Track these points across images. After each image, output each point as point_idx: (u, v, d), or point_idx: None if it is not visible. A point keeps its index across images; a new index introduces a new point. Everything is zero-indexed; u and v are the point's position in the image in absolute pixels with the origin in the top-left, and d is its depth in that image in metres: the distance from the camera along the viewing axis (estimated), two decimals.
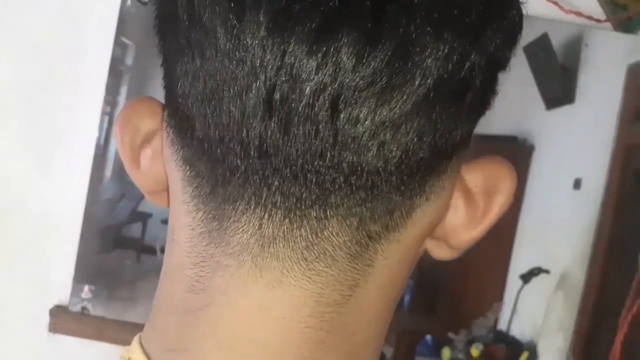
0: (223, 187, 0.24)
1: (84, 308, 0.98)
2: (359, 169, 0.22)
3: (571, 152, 1.01)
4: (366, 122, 0.22)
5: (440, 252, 0.28)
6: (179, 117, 0.25)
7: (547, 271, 1.04)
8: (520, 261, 1.05)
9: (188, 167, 0.25)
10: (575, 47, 1.00)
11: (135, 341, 0.28)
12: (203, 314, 0.25)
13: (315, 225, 0.23)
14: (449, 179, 0.25)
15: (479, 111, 0.25)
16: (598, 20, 0.94)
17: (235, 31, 0.22)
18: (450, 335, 1.05)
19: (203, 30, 0.22)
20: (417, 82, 0.22)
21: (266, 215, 0.23)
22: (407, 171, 0.23)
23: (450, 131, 0.24)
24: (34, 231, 0.99)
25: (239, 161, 0.23)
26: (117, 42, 0.97)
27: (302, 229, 0.23)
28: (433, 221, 0.26)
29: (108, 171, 0.99)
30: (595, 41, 0.99)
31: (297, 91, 0.21)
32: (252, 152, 0.23)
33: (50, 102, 0.98)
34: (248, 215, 0.24)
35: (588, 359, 1.11)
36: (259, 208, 0.23)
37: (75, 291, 0.98)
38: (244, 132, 0.22)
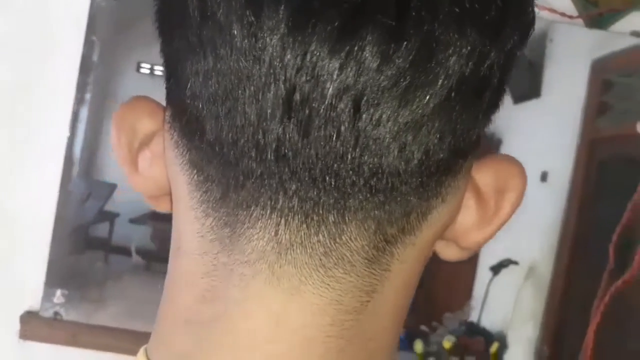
0: (236, 192, 0.23)
1: (56, 313, 0.96)
2: (380, 171, 0.22)
3: (538, 146, 1.02)
4: (388, 124, 0.21)
5: (450, 253, 0.27)
6: (187, 118, 0.24)
7: (516, 262, 1.06)
8: (489, 253, 1.06)
9: (196, 171, 0.24)
10: (540, 42, 1.02)
11: (141, 353, 0.27)
12: (217, 325, 0.24)
13: (333, 230, 0.22)
14: (463, 179, 0.25)
15: (494, 109, 0.24)
16: (570, 17, 0.96)
17: (252, 28, 0.21)
18: (423, 328, 1.06)
19: (217, 27, 0.21)
20: (440, 82, 0.21)
21: (282, 221, 0.22)
22: (426, 172, 0.22)
23: (468, 130, 0.23)
24: (3, 234, 0.96)
25: (254, 164, 0.22)
26: (86, 39, 0.94)
27: (320, 235, 0.22)
28: (446, 222, 0.25)
29: (74, 170, 0.97)
30: (560, 36, 1.00)
31: (319, 92, 0.21)
32: (268, 155, 0.22)
33: (20, 102, 0.95)
34: (263, 221, 0.23)
35: (557, 348, 1.14)
36: (275, 213, 0.22)
37: (47, 296, 0.95)
38: (261, 134, 0.21)
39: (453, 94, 0.21)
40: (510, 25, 0.23)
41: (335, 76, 0.20)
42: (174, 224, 0.27)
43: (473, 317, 1.07)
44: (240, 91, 0.21)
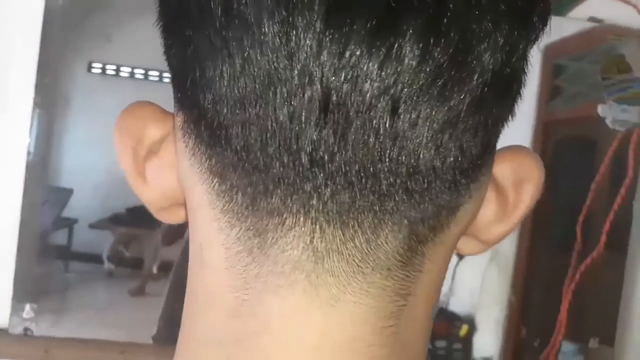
0: (265, 200, 0.22)
1: (26, 329, 0.91)
2: (417, 171, 0.21)
3: None
4: (427, 123, 0.20)
5: (471, 248, 0.27)
6: (205, 124, 0.22)
7: None
8: None
9: (217, 180, 0.23)
10: None
11: None
12: (254, 343, 0.22)
13: (369, 234, 0.22)
14: (488, 173, 0.24)
15: (518, 100, 0.24)
16: None
17: (285, 26, 0.19)
18: None
19: (245, 25, 0.20)
20: (476, 77, 0.20)
21: (317, 228, 0.21)
22: (459, 169, 0.22)
23: (497, 124, 0.23)
24: None
25: (286, 170, 0.21)
26: (42, 40, 0.91)
27: (356, 240, 0.22)
28: (472, 218, 0.25)
29: (31, 176, 0.93)
30: None
31: (357, 93, 0.20)
32: (302, 160, 0.21)
33: None
34: (297, 229, 0.21)
35: (523, 328, 1.17)
36: (309, 220, 0.21)
37: (16, 311, 0.91)
38: (294, 138, 0.20)
39: (487, 89, 0.21)
40: (537, 13, 0.22)
41: (374, 76, 0.19)
42: (192, 236, 0.25)
43: (441, 302, 1.09)
44: (271, 94, 0.20)
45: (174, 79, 0.24)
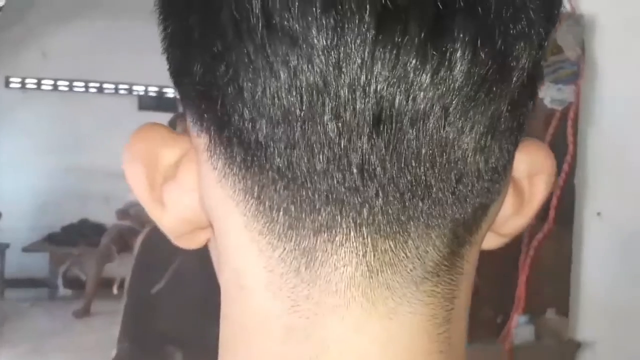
0: (311, 218, 0.21)
1: None
2: (464, 175, 0.21)
3: None
4: (474, 127, 0.20)
5: (491, 242, 0.26)
6: (239, 144, 0.21)
7: None
8: None
9: (254, 201, 0.22)
10: None
11: None
12: None
13: (418, 242, 0.21)
14: (511, 169, 0.24)
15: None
16: None
17: (334, 38, 0.19)
18: None
19: (289, 39, 0.19)
20: (514, 79, 0.20)
21: (369, 241, 0.21)
22: (497, 169, 0.22)
23: (526, 121, 0.23)
24: None
25: (334, 185, 0.20)
26: None
27: (407, 250, 0.21)
28: (496, 216, 0.25)
29: None
30: None
31: (411, 103, 0.19)
32: (353, 174, 0.20)
33: None
34: (349, 244, 0.21)
35: (485, 306, 1.19)
36: (361, 234, 0.21)
37: None
38: (343, 152, 0.20)
39: (522, 89, 0.21)
40: (557, 6, 0.22)
41: (428, 85, 0.19)
42: (224, 260, 0.24)
43: None
44: (319, 108, 0.19)
45: (192, 100, 0.23)
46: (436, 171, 0.20)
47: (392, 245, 0.21)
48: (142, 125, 0.25)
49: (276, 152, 0.20)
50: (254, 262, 0.22)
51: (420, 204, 0.21)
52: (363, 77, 0.19)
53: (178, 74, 0.23)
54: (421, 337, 0.22)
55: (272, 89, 0.20)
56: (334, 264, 0.21)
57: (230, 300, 0.24)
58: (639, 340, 1.31)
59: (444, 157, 0.20)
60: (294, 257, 0.21)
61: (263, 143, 0.20)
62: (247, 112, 0.20)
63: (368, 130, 0.19)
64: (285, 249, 0.21)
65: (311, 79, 0.19)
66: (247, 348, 0.23)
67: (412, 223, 0.21)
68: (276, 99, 0.20)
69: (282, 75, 0.19)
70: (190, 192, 0.24)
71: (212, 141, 0.22)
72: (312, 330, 0.21)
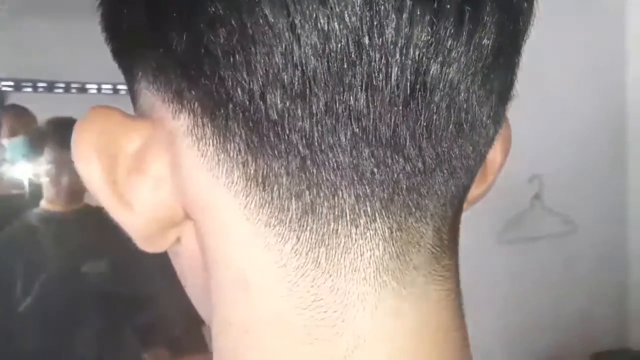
0: (330, 201, 0.19)
1: None
2: (479, 145, 0.20)
3: None
4: (491, 97, 0.20)
5: None
6: (242, 122, 0.18)
7: None
8: None
9: (259, 188, 0.19)
10: None
11: None
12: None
13: (436, 217, 0.20)
14: None
15: None
16: None
17: None
18: None
19: None
20: (520, 42, 0.21)
21: (393, 222, 0.20)
22: (495, 136, 0.21)
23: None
24: None
25: (361, 162, 0.19)
26: None
27: (427, 226, 0.20)
28: None
29: None
30: None
31: (445, 73, 0.18)
32: (381, 148, 0.19)
33: None
34: (375, 226, 0.19)
35: None
36: (388, 215, 0.19)
37: None
38: (372, 123, 0.18)
39: (520, 54, 0.21)
40: None
41: (461, 54, 0.18)
42: (220, 258, 0.21)
43: None
44: (349, 74, 0.18)
45: (165, 74, 0.19)
46: (459, 142, 0.20)
47: (414, 223, 0.20)
48: (90, 112, 0.21)
49: (294, 129, 0.18)
50: (261, 258, 0.20)
51: (440, 176, 0.20)
52: (400, 41, 0.17)
53: (139, 44, 0.20)
54: (449, 313, 0.21)
55: (294, 56, 0.17)
56: (360, 250, 0.19)
57: (231, 304, 0.21)
58: None
59: (467, 128, 0.20)
60: (311, 247, 0.19)
61: (276, 119, 0.18)
62: (256, 85, 0.18)
63: (401, 100, 0.18)
64: (299, 239, 0.19)
65: (343, 41, 0.17)
66: (259, 355, 0.20)
67: (430, 197, 0.20)
68: (298, 68, 0.17)
69: (308, 39, 0.17)
70: (161, 185, 0.21)
71: (200, 123, 0.19)
72: (342, 324, 0.20)
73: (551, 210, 1.44)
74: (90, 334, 1.32)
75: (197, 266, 0.22)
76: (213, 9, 0.18)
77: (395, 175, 0.19)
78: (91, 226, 1.37)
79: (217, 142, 0.19)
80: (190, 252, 0.22)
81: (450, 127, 0.19)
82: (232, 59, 0.18)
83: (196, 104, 0.19)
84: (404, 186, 0.19)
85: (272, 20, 0.17)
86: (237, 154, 0.19)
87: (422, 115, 0.18)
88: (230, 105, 0.18)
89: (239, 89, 0.18)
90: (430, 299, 0.21)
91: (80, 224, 1.37)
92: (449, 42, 0.18)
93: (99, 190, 0.21)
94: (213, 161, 0.19)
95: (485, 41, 0.19)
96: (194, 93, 0.19)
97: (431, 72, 0.18)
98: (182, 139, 0.20)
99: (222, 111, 0.19)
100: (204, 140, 0.19)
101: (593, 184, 1.52)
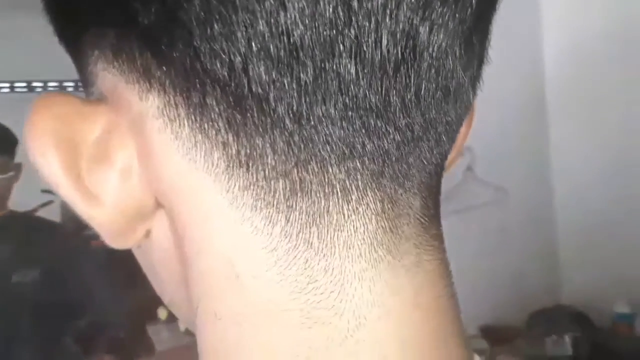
0: (320, 177, 0.18)
1: None
2: (462, 112, 0.20)
3: None
4: (473, 61, 0.20)
5: None
6: (221, 99, 0.17)
7: None
8: None
9: (242, 170, 0.18)
10: None
11: None
12: (353, 343, 0.19)
13: (422, 186, 0.20)
14: None
15: None
16: None
17: None
18: None
19: None
20: (496, 11, 0.20)
21: (384, 194, 0.19)
22: (473, 101, 0.21)
23: None
24: None
25: (352, 133, 0.18)
26: None
27: (416, 196, 0.20)
28: None
29: None
30: None
31: (434, 38, 0.18)
32: (372, 118, 0.18)
33: None
34: (367, 200, 0.19)
35: None
36: (378, 187, 0.19)
37: None
38: (362, 93, 0.17)
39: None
40: None
41: (449, 18, 0.18)
42: (203, 249, 0.19)
43: None
44: (339, 41, 0.17)
45: (128, 51, 0.17)
46: (445, 109, 0.19)
47: (403, 194, 0.19)
48: (42, 97, 0.19)
49: (280, 102, 0.17)
50: (249, 244, 0.19)
51: (426, 144, 0.19)
52: (390, 4, 0.17)
53: (92, 18, 0.18)
54: (443, 282, 0.21)
55: (280, 22, 0.16)
56: (353, 226, 0.19)
57: (219, 296, 0.20)
58: None
59: (452, 93, 0.19)
60: (301, 228, 0.18)
61: (261, 93, 0.17)
62: (238, 56, 0.16)
63: (392, 66, 0.17)
64: (288, 220, 0.18)
65: (332, 4, 0.16)
66: (255, 347, 0.19)
67: (417, 166, 0.19)
68: (284, 36, 0.16)
69: (297, 4, 0.16)
70: (129, 175, 0.19)
71: (172, 102, 0.18)
72: (341, 304, 0.19)
73: (483, 181, 1.49)
74: (27, 346, 1.26)
75: (170, 259, 0.21)
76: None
77: (386, 146, 0.18)
78: (18, 233, 1.29)
79: (193, 123, 0.18)
80: (163, 244, 0.21)
81: (438, 93, 0.19)
82: (208, 29, 0.16)
83: (167, 82, 0.17)
84: (394, 157, 0.19)
85: None
86: (216, 134, 0.18)
87: (412, 82, 0.18)
88: (208, 80, 0.17)
89: (217, 62, 0.16)
90: (424, 269, 0.20)
91: (6, 232, 1.29)
92: (437, 5, 0.17)
93: (60, 184, 0.19)
94: (189, 143, 0.18)
95: (468, 3, 0.18)
96: (164, 69, 0.17)
97: (420, 36, 0.17)
98: (152, 122, 0.18)
99: (198, 87, 0.17)
100: (177, 122, 0.18)
101: (518, 153, 1.59)
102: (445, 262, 0.21)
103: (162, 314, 1.73)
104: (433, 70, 0.18)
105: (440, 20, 0.18)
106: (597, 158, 1.52)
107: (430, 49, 0.18)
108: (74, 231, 1.34)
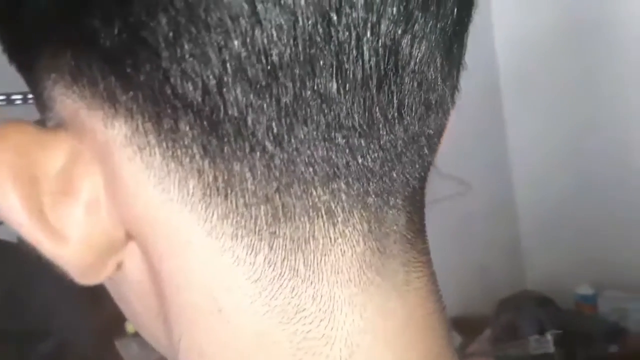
0: (303, 201, 0.17)
1: None
2: (441, 123, 0.20)
3: None
4: (452, 71, 0.19)
5: None
6: (196, 124, 0.16)
7: None
8: None
9: (220, 198, 0.17)
10: None
11: None
12: None
13: (407, 201, 0.19)
14: None
15: None
16: None
17: None
18: None
19: None
20: (472, 17, 0.20)
21: (371, 214, 0.18)
22: (452, 110, 0.21)
23: None
24: None
25: (336, 153, 0.17)
26: None
27: (401, 212, 0.19)
28: None
29: None
30: None
31: (415, 49, 0.17)
32: (353, 137, 0.17)
33: None
34: (353, 221, 0.18)
35: None
36: (364, 207, 0.18)
37: None
38: (345, 110, 0.17)
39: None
40: None
41: (429, 30, 0.17)
42: (181, 283, 0.18)
43: None
44: (319, 57, 0.16)
45: (89, 75, 0.16)
46: (427, 122, 0.19)
47: (388, 211, 0.19)
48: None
49: (259, 124, 0.16)
50: (231, 275, 0.18)
51: (409, 158, 0.19)
52: (372, 17, 0.16)
53: (48, 38, 0.16)
54: (432, 298, 0.20)
55: (257, 42, 0.15)
56: (341, 249, 0.18)
57: (201, 331, 0.19)
58: None
59: (434, 105, 0.19)
60: (286, 255, 0.18)
61: (237, 116, 0.16)
62: (212, 79, 0.15)
63: (374, 82, 0.17)
64: (272, 248, 0.17)
65: (311, 20, 0.15)
66: None
67: (401, 181, 0.19)
68: (262, 55, 0.15)
69: (274, 20, 0.15)
70: (96, 208, 0.18)
71: (141, 129, 0.17)
72: (332, 332, 0.18)
73: (446, 175, 1.51)
74: None
75: (146, 292, 0.20)
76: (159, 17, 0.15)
77: (370, 164, 0.18)
78: None
79: (165, 150, 0.17)
80: (136, 277, 0.20)
81: (421, 106, 0.18)
82: (178, 49, 0.15)
83: (135, 107, 0.16)
84: (378, 175, 0.18)
85: (228, 0, 0.15)
86: (190, 161, 0.17)
87: (395, 97, 0.17)
88: (180, 105, 0.16)
89: (189, 85, 0.15)
90: (414, 288, 0.20)
91: None
92: (419, 16, 0.17)
93: (21, 224, 0.17)
94: (162, 172, 0.17)
95: (449, 12, 0.18)
96: (131, 94, 0.16)
97: (402, 49, 0.17)
98: (119, 151, 0.17)
99: (169, 112, 0.16)
100: (148, 150, 0.17)
101: (478, 147, 1.62)
102: (433, 275, 0.21)
103: (130, 327, 1.69)
104: (415, 84, 0.18)
105: (422, 32, 0.17)
106: (553, 148, 1.56)
107: (412, 63, 0.17)
108: (30, 250, 1.30)
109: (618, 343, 1.27)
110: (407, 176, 0.19)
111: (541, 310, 1.39)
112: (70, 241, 0.18)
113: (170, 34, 0.15)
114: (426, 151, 0.19)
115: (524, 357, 1.16)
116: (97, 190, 0.18)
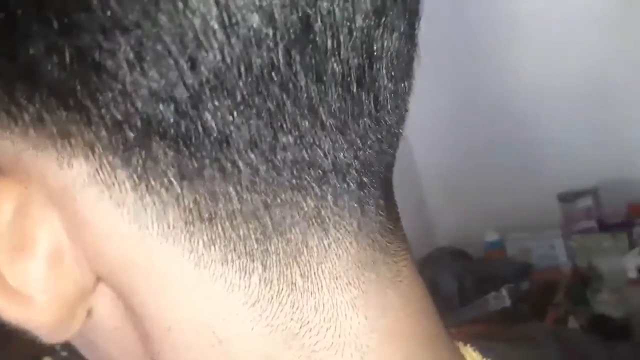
0: (294, 212, 0.16)
1: None
2: (404, 114, 0.20)
3: None
4: (411, 63, 0.19)
5: None
6: (172, 150, 0.15)
7: None
8: None
9: (205, 225, 0.16)
10: None
11: None
12: None
13: (387, 193, 0.19)
14: None
15: None
16: None
17: None
18: None
19: None
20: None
21: (359, 212, 0.18)
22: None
23: None
24: None
25: (326, 157, 0.16)
26: None
27: (385, 205, 0.19)
28: None
29: None
30: None
31: (387, 42, 0.17)
32: (339, 137, 0.17)
33: None
34: (344, 223, 0.18)
35: None
36: (353, 208, 0.18)
37: None
38: (325, 113, 0.16)
39: None
40: None
41: (400, 20, 0.17)
42: (174, 322, 0.17)
43: None
44: (296, 65, 0.15)
45: (38, 111, 0.14)
46: (397, 112, 0.19)
47: (372, 206, 0.19)
48: None
49: (240, 139, 0.15)
50: (226, 303, 0.17)
51: (385, 149, 0.19)
52: (347, 14, 0.15)
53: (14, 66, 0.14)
54: (419, 282, 0.21)
55: (234, 51, 0.14)
56: (336, 254, 0.18)
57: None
58: None
59: (402, 97, 0.19)
60: (281, 271, 0.17)
61: (217, 133, 0.15)
62: (185, 97, 0.14)
63: (354, 78, 0.16)
64: (265, 266, 0.17)
65: (289, 20, 0.14)
66: None
67: (379, 173, 0.19)
68: (241, 66, 0.14)
69: (254, 25, 0.14)
70: (59, 256, 0.16)
71: (106, 164, 0.15)
72: (339, 340, 0.18)
73: None
74: None
75: (124, 338, 0.18)
76: (109, 12, 0.13)
77: (354, 161, 0.17)
78: None
79: (137, 184, 0.15)
80: (111, 324, 0.18)
81: (393, 99, 0.18)
82: (138, 68, 0.14)
83: (96, 141, 0.14)
84: (361, 171, 0.18)
85: (195, 5, 0.13)
86: (167, 190, 0.15)
87: (372, 91, 0.17)
88: (151, 130, 0.14)
89: (159, 105, 0.14)
90: (404, 276, 0.20)
91: None
92: (389, 7, 0.16)
93: None
94: (136, 208, 0.15)
95: (413, 2, 0.18)
96: (93, 129, 0.14)
97: (377, 41, 0.16)
98: (82, 192, 0.15)
99: (138, 139, 0.14)
100: (117, 186, 0.15)
101: None
102: (414, 259, 0.21)
103: None
104: (389, 77, 0.17)
105: (393, 24, 0.17)
106: (446, 107, 1.63)
107: (385, 55, 0.17)
108: None
109: (528, 279, 1.37)
110: (382, 167, 0.19)
111: (456, 264, 1.46)
112: (36, 301, 0.16)
113: (131, 55, 0.13)
114: (396, 140, 0.19)
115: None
116: (58, 238, 0.16)
